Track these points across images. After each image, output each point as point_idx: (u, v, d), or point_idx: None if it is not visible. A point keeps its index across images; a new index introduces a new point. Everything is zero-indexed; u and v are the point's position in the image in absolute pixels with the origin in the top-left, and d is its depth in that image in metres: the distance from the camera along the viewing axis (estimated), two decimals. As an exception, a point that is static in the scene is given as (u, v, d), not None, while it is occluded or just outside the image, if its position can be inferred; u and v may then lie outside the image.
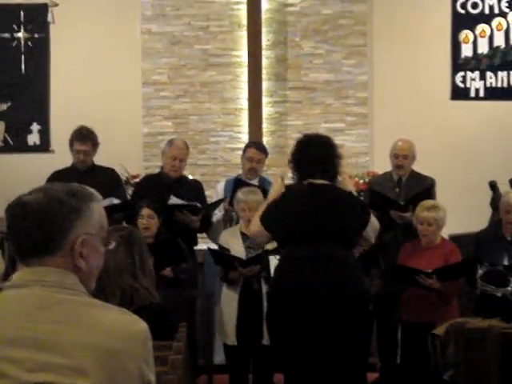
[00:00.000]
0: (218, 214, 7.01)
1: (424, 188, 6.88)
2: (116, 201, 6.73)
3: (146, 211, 6.35)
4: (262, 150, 7.18)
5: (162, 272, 6.17)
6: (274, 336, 5.27)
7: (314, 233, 4.99)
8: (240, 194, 6.38)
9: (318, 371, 4.96)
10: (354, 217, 5.11)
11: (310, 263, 4.94)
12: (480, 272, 6.06)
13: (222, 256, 6.37)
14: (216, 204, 6.96)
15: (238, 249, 6.33)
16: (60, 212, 2.14)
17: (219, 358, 6.87)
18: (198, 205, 6.75)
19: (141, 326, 2.17)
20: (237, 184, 6.81)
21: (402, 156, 7.08)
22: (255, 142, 7.60)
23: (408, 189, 6.99)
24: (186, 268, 6.47)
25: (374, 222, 5.28)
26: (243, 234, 6.33)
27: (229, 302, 6.33)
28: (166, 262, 6.28)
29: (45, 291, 2.14)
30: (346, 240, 5.07)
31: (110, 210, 6.64)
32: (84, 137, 7.02)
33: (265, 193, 6.24)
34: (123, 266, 4.29)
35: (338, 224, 5.03)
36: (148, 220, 6.33)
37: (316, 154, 5.07)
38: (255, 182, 6.98)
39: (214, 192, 7.38)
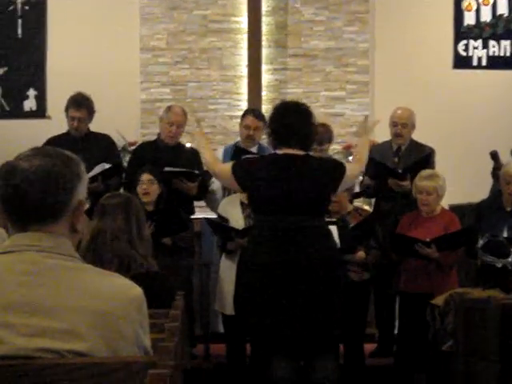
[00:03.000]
0: (216, 182, 6.96)
1: (422, 156, 6.82)
2: (107, 165, 6.71)
3: (145, 176, 6.32)
4: (260, 117, 7.10)
5: (162, 240, 6.15)
6: (244, 304, 5.29)
7: (286, 204, 5.00)
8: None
9: (290, 338, 4.98)
10: (325, 185, 5.09)
11: (282, 235, 4.97)
12: (481, 242, 6.03)
13: (219, 226, 6.32)
14: (212, 171, 6.91)
15: (237, 218, 6.29)
16: (65, 176, 2.15)
17: (217, 327, 6.85)
18: (195, 171, 6.71)
19: (136, 290, 2.18)
20: (236, 151, 6.74)
21: (401, 124, 7.02)
22: (253, 110, 7.52)
23: (407, 158, 6.95)
24: (185, 236, 6.44)
25: (350, 171, 5.23)
26: (243, 204, 6.28)
27: (227, 271, 6.30)
28: (167, 232, 6.25)
29: (39, 256, 2.13)
30: (317, 210, 5.08)
31: (103, 175, 6.62)
32: (79, 103, 6.97)
33: None
34: (121, 232, 4.26)
35: (310, 195, 5.02)
36: (148, 185, 6.30)
37: (291, 122, 5.05)
38: (254, 149, 6.92)
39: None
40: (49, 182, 2.13)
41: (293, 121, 5.05)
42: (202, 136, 5.73)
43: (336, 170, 5.17)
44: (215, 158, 5.53)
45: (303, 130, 5.07)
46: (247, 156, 6.00)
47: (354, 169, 5.33)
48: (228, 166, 5.26)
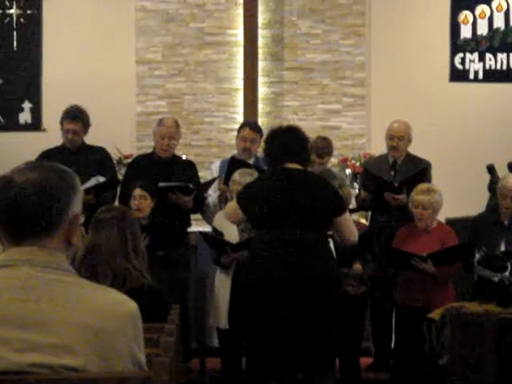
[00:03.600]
0: (213, 195, 6.94)
1: (418, 170, 6.81)
2: (102, 179, 6.68)
3: (137, 192, 6.28)
4: (256, 129, 7.13)
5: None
6: (242, 319, 5.31)
7: (286, 217, 5.05)
8: (236, 175, 6.31)
9: (288, 355, 4.99)
10: (325, 200, 5.13)
11: (280, 248, 5.00)
12: (477, 256, 6.01)
13: (213, 240, 6.29)
14: (209, 183, 6.90)
15: (231, 232, 6.25)
16: (60, 190, 2.14)
17: (213, 341, 6.81)
18: (190, 185, 6.69)
19: (130, 305, 2.17)
20: (232, 162, 6.74)
21: (397, 137, 7.00)
22: (249, 122, 7.56)
23: (403, 171, 6.94)
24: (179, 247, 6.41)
25: (350, 226, 5.28)
26: (238, 217, 6.25)
27: (222, 285, 6.27)
28: (161, 245, 6.21)
29: (33, 271, 2.12)
30: (317, 223, 5.11)
31: (97, 188, 6.59)
32: (74, 116, 6.95)
33: (261, 172, 6.17)
34: (116, 247, 4.23)
35: (309, 208, 5.06)
36: (140, 201, 6.26)
37: (284, 141, 5.21)
38: (250, 161, 6.90)
39: (209, 172, 7.32)
40: (44, 195, 2.11)
41: (288, 139, 5.21)
42: None
43: (337, 196, 5.22)
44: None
45: (298, 146, 5.22)
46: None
47: (351, 228, 5.32)
48: (233, 201, 5.36)
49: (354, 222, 6.60)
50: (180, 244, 6.40)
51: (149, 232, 5.96)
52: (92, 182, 6.60)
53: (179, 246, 6.40)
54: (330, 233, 5.93)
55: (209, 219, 6.91)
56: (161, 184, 6.60)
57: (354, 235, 5.29)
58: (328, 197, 5.14)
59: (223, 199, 6.82)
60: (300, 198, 5.06)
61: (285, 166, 5.17)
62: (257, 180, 5.44)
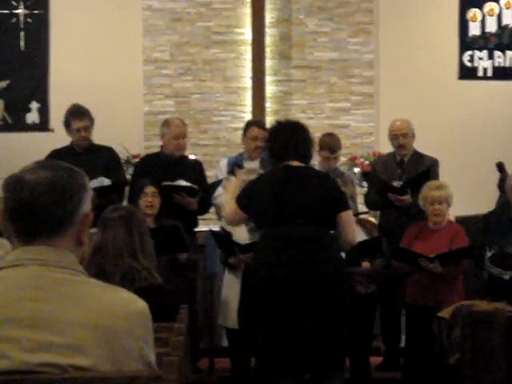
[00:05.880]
0: (223, 195, 6.91)
1: (420, 172, 6.79)
2: (107, 182, 6.62)
3: (149, 189, 6.27)
4: (264, 127, 7.11)
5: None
6: (250, 319, 5.30)
7: (290, 214, 5.03)
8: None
9: (297, 354, 4.97)
10: (328, 195, 5.11)
11: (286, 245, 4.98)
12: (488, 254, 5.99)
13: (223, 240, 6.28)
14: (214, 186, 6.88)
15: (240, 231, 6.25)
16: (72, 188, 2.13)
17: (222, 341, 6.80)
18: (195, 186, 6.66)
19: (140, 305, 2.16)
20: (233, 170, 6.68)
21: (401, 135, 7.00)
22: (256, 121, 7.52)
23: (410, 169, 6.92)
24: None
25: (351, 226, 5.22)
26: (246, 217, 6.24)
27: (231, 285, 6.26)
28: (166, 250, 6.17)
29: (43, 270, 2.11)
30: (321, 220, 5.07)
31: (101, 191, 6.52)
32: (82, 113, 6.90)
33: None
34: (123, 246, 4.23)
35: (313, 204, 5.05)
36: (152, 198, 6.25)
37: (289, 138, 5.19)
38: (256, 163, 6.88)
39: (218, 170, 7.30)
40: (55, 194, 2.11)
41: (289, 136, 5.18)
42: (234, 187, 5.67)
43: (338, 197, 5.17)
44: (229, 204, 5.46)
45: (300, 143, 5.20)
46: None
47: (351, 228, 5.27)
48: (230, 202, 5.33)
49: (362, 220, 6.63)
50: (185, 250, 6.30)
51: (154, 237, 5.92)
52: (95, 183, 6.49)
53: (184, 252, 6.31)
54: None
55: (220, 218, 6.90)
56: (165, 183, 6.57)
57: (353, 236, 5.24)
58: (331, 192, 5.12)
59: None
60: (303, 193, 5.05)
61: (287, 164, 5.15)
62: (257, 178, 5.40)
